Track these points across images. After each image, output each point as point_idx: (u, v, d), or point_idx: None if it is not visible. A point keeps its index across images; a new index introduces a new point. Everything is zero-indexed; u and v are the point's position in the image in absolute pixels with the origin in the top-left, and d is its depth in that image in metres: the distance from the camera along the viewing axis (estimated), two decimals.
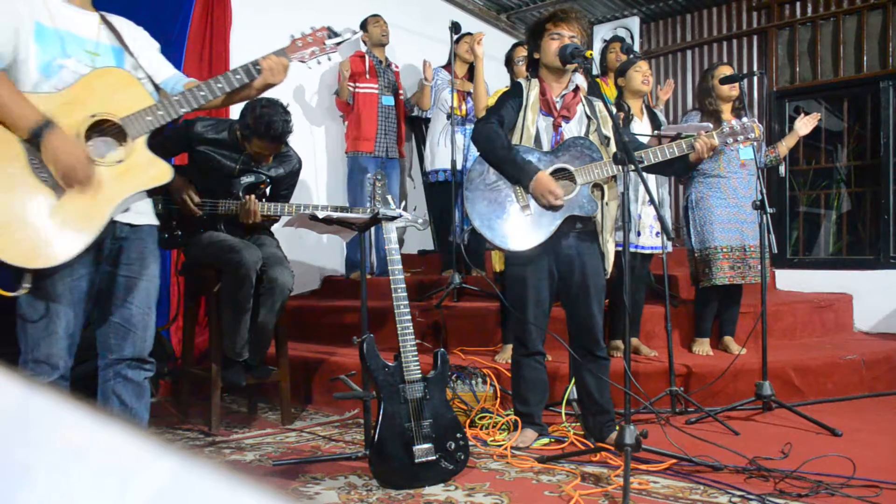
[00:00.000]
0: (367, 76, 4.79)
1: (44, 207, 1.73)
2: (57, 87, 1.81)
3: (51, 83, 1.80)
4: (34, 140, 1.71)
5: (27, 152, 1.73)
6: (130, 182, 1.86)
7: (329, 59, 2.12)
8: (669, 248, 3.51)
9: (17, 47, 1.77)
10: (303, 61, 2.06)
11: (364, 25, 4.87)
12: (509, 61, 4.05)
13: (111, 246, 1.91)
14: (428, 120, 5.37)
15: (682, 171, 2.82)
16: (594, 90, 2.46)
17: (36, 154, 1.73)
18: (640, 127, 3.53)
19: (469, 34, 4.58)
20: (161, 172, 1.90)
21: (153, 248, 2.03)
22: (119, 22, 2.01)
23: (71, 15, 1.89)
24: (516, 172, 2.56)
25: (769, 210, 3.01)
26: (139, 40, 2.05)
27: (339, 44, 2.06)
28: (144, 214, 2.00)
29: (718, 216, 3.60)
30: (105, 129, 1.83)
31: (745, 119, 2.66)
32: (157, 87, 2.04)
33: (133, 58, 1.99)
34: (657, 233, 3.57)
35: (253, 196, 3.03)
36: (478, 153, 2.68)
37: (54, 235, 1.73)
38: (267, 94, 3.08)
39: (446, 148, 4.44)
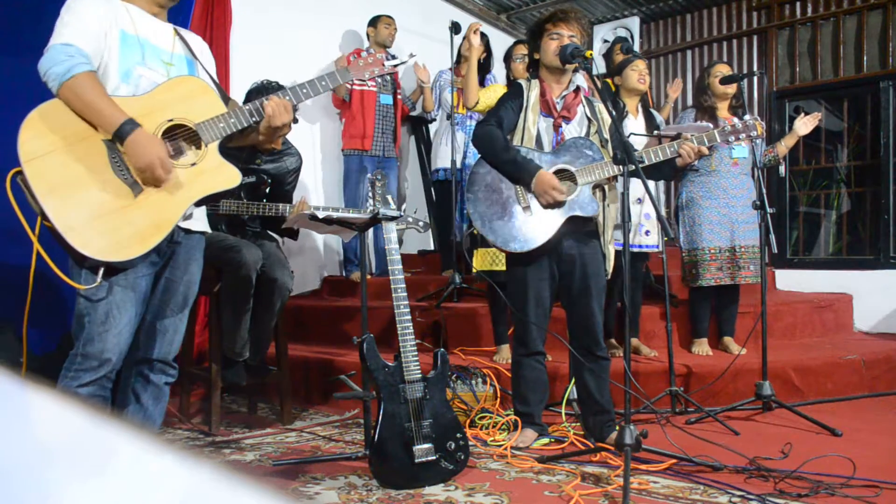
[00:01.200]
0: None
1: (122, 204, 1.81)
2: (135, 92, 1.90)
3: (128, 88, 1.90)
4: (118, 139, 1.79)
5: (108, 150, 1.81)
6: (203, 184, 1.94)
7: (388, 78, 2.26)
8: (660, 248, 3.51)
9: (103, 51, 1.87)
10: (361, 79, 2.17)
11: (374, 23, 4.87)
12: (508, 58, 4.04)
13: (167, 249, 1.98)
14: (430, 120, 5.38)
15: (669, 175, 2.83)
16: (606, 92, 2.46)
17: (116, 152, 1.81)
18: (635, 125, 3.53)
19: None
20: (231, 176, 1.97)
21: (198, 255, 2.10)
22: (189, 35, 2.12)
23: (150, 24, 1.99)
24: (517, 172, 2.56)
25: (769, 210, 3.00)
26: (205, 54, 2.15)
27: (396, 66, 2.19)
28: (199, 221, 2.08)
29: (708, 217, 3.59)
30: (181, 133, 1.93)
31: (746, 117, 2.66)
32: None
33: (205, 70, 2.09)
34: (647, 231, 3.57)
35: (304, 198, 3.10)
36: (478, 154, 2.68)
37: (131, 231, 1.81)
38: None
39: (446, 147, 4.43)
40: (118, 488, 0.38)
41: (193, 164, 1.93)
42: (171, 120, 1.91)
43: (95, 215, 1.77)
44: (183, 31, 2.10)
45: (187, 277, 2.06)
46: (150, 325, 2.02)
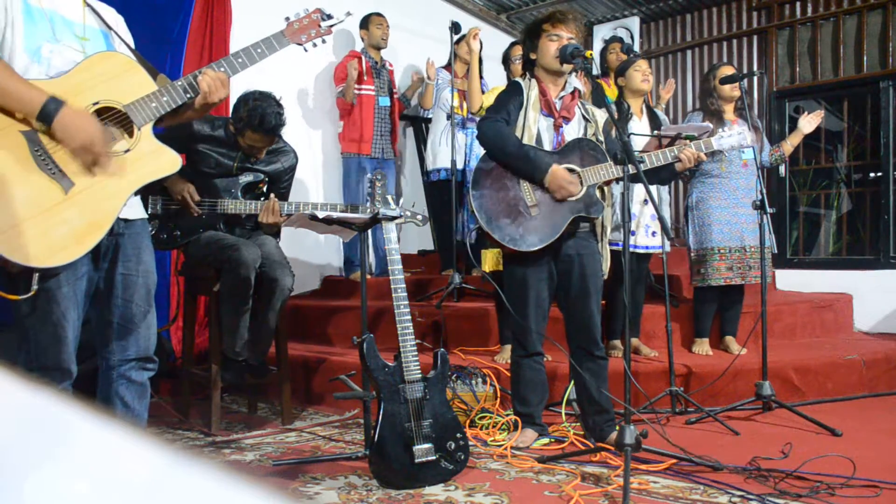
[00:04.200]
0: (365, 77, 4.78)
1: (52, 202, 1.61)
2: (48, 73, 1.70)
3: (41, 68, 1.70)
4: (44, 121, 1.60)
5: (29, 142, 1.61)
6: (141, 171, 1.76)
7: (324, 42, 2.06)
8: (668, 248, 3.51)
9: (4, 28, 1.66)
10: (300, 44, 2.00)
11: (365, 24, 4.85)
12: (506, 59, 4.05)
13: (108, 242, 1.82)
14: (429, 119, 5.37)
15: (667, 179, 2.85)
16: (598, 93, 2.47)
17: (38, 144, 1.62)
18: (640, 126, 3.54)
19: None
20: (170, 161, 1.81)
21: (147, 242, 1.96)
22: (100, 6, 1.92)
23: None
24: (530, 168, 2.55)
25: (769, 210, 3.01)
26: (121, 27, 1.98)
27: (332, 26, 2.03)
28: (136, 208, 1.93)
29: (717, 217, 3.60)
30: (108, 117, 1.74)
31: (737, 127, 2.70)
32: None
33: (123, 43, 1.92)
34: (653, 232, 3.57)
35: (273, 196, 3.06)
36: (483, 152, 2.67)
37: (65, 231, 1.62)
38: (262, 89, 3.12)
39: (447, 147, 4.43)
40: (118, 488, 0.38)
41: (127, 151, 1.74)
42: (96, 103, 1.70)
43: (23, 217, 1.56)
44: (93, 1, 1.89)
45: (143, 268, 1.90)
46: (120, 327, 1.88)
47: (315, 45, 2.04)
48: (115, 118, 1.75)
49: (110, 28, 1.89)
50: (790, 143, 3.79)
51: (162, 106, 1.78)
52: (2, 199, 1.56)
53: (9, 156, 1.58)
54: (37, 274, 1.62)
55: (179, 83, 1.82)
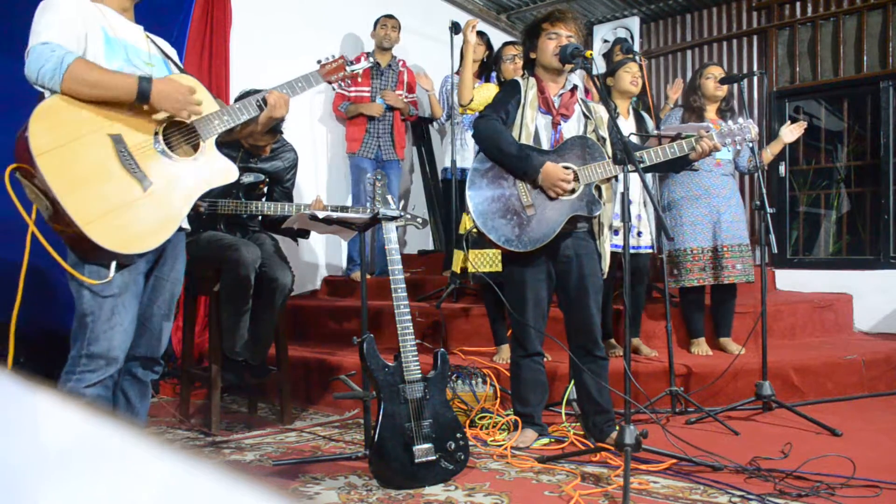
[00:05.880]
0: (360, 80, 4.76)
1: (133, 198, 1.83)
2: None
3: None
4: (142, 98, 1.85)
5: (115, 143, 1.84)
6: (204, 179, 2.00)
7: (390, 83, 2.30)
8: (654, 248, 3.50)
9: (85, 52, 1.87)
10: (330, 83, 2.33)
11: (375, 24, 4.83)
12: (497, 59, 4.03)
13: (160, 246, 1.96)
14: (429, 121, 5.35)
15: (680, 168, 2.84)
16: (605, 92, 2.46)
17: (123, 145, 1.84)
18: (625, 127, 3.52)
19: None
20: (229, 171, 2.06)
21: (182, 252, 2.13)
22: (158, 39, 2.16)
23: (126, 27, 2.02)
24: (523, 166, 2.55)
25: (769, 210, 3.00)
26: (174, 57, 2.19)
27: (355, 70, 2.36)
28: (185, 219, 2.08)
29: (689, 217, 3.59)
30: (178, 129, 2.00)
31: (741, 120, 2.66)
32: None
33: (179, 69, 2.14)
34: (639, 232, 3.57)
35: (319, 196, 3.14)
36: (479, 151, 2.67)
37: (144, 225, 1.84)
38: (263, 87, 3.13)
39: (458, 147, 4.40)
40: (120, 489, 0.38)
41: (194, 160, 1.99)
42: (170, 116, 1.96)
43: (109, 209, 1.78)
44: (150, 34, 2.13)
45: (174, 275, 2.09)
46: (138, 323, 2.02)
47: (341, 85, 2.32)
48: (184, 131, 2.00)
49: (169, 57, 2.13)
50: (770, 152, 3.69)
51: (224, 123, 2.04)
52: (93, 192, 1.77)
53: (98, 155, 1.81)
54: (114, 263, 1.82)
55: (252, 99, 2.10)
